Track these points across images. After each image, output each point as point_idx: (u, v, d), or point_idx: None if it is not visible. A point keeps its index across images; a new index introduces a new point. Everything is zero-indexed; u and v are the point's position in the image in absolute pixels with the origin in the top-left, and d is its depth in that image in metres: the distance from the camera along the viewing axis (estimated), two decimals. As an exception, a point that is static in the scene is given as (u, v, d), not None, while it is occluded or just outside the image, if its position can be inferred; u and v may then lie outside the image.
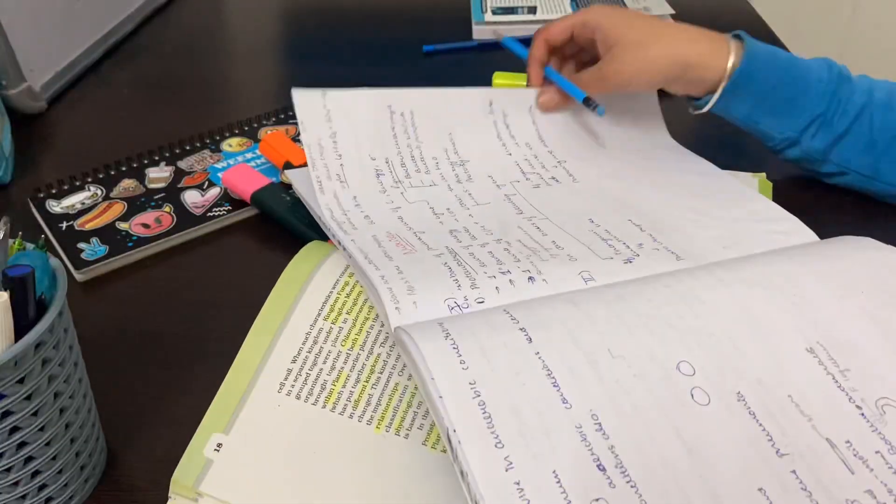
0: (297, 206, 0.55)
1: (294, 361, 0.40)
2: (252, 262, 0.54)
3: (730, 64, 0.53)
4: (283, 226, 0.55)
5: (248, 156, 0.64)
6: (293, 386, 0.39)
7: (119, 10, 0.90)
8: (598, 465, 0.32)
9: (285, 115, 0.70)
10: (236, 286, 0.51)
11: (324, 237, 0.52)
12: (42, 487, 0.34)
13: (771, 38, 0.88)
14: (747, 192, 0.54)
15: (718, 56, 0.53)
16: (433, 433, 0.37)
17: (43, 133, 0.71)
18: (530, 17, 0.89)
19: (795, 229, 0.49)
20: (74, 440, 0.35)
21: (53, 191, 0.59)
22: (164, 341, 0.47)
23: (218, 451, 0.37)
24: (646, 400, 0.34)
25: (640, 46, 0.54)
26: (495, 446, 0.31)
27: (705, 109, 0.56)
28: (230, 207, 0.57)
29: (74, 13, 0.80)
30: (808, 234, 0.48)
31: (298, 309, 0.42)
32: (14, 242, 0.35)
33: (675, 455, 0.32)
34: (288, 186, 0.59)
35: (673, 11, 0.89)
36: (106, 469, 0.39)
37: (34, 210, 0.57)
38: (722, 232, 0.48)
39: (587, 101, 0.56)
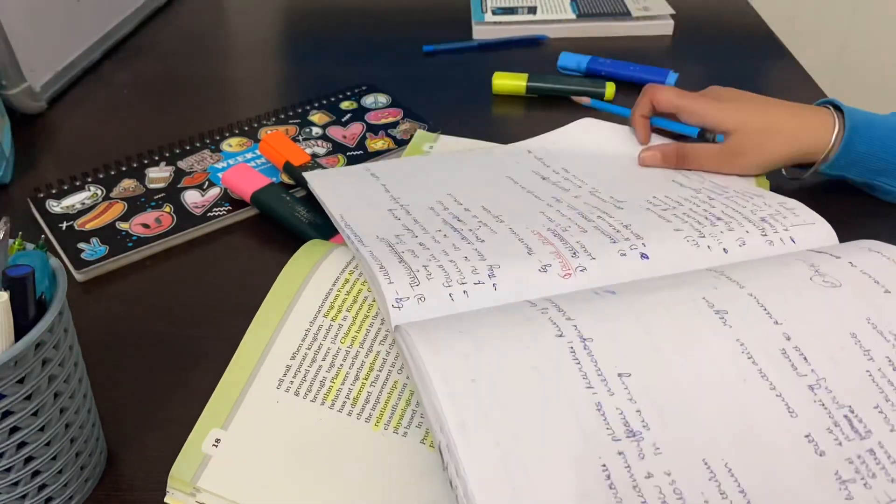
0: (298, 205, 0.55)
1: (293, 358, 0.40)
2: (252, 262, 0.54)
3: (832, 144, 0.55)
4: (284, 225, 0.55)
5: (248, 156, 0.64)
6: (292, 382, 0.39)
7: (119, 10, 0.90)
8: (602, 468, 0.32)
9: (285, 115, 0.70)
10: (236, 286, 0.51)
11: (324, 236, 0.52)
12: (42, 487, 0.35)
13: (771, 38, 0.88)
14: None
15: (826, 140, 0.55)
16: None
17: (43, 133, 0.71)
18: (530, 17, 0.89)
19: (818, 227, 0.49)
20: (74, 440, 0.35)
21: (53, 191, 0.59)
22: (164, 341, 0.47)
23: (216, 446, 0.37)
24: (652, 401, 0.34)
25: (759, 136, 0.56)
26: (489, 452, 0.31)
27: (805, 176, 0.58)
28: (230, 207, 0.57)
29: (74, 13, 0.80)
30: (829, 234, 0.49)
31: (298, 305, 0.42)
32: (14, 242, 0.35)
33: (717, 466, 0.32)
34: (288, 186, 0.59)
35: (673, 11, 0.89)
36: (106, 469, 0.39)
37: (34, 210, 0.57)
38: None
39: (701, 135, 0.59)
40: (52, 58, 0.77)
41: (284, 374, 0.40)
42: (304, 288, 0.43)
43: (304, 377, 0.39)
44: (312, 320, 0.42)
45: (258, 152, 0.64)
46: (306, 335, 0.41)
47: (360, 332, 0.41)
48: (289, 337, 0.41)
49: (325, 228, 0.53)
